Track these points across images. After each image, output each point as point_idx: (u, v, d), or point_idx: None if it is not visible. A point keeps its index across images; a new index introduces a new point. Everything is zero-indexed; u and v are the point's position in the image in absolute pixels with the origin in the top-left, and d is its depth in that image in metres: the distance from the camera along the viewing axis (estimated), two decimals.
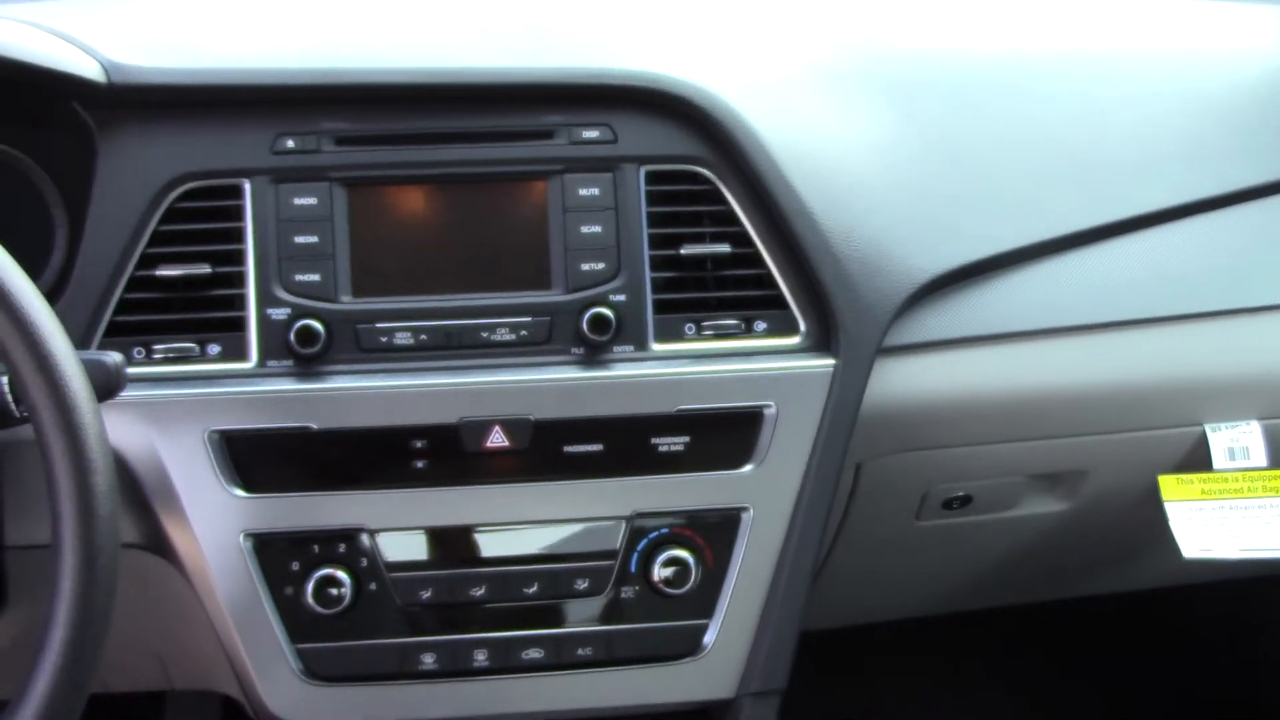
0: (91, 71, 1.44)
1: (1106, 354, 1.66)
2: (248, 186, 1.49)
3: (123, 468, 1.45)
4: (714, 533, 1.52)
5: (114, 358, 1.28)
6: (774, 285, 1.54)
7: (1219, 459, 1.71)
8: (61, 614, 1.13)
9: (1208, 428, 1.71)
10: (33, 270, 1.45)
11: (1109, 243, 1.68)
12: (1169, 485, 1.71)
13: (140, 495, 1.46)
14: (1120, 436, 1.70)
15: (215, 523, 1.45)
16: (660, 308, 1.52)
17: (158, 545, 1.47)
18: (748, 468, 1.51)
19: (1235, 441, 1.71)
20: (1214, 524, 1.69)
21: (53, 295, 1.46)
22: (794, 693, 1.73)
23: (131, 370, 1.46)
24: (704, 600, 1.52)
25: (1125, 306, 1.66)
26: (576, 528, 1.50)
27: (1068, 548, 1.89)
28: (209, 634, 1.49)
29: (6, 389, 1.21)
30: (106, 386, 1.27)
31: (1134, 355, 1.66)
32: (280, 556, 1.46)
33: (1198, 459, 1.73)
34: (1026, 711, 2.54)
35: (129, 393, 1.43)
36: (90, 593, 1.13)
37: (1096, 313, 1.65)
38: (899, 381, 1.59)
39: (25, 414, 1.17)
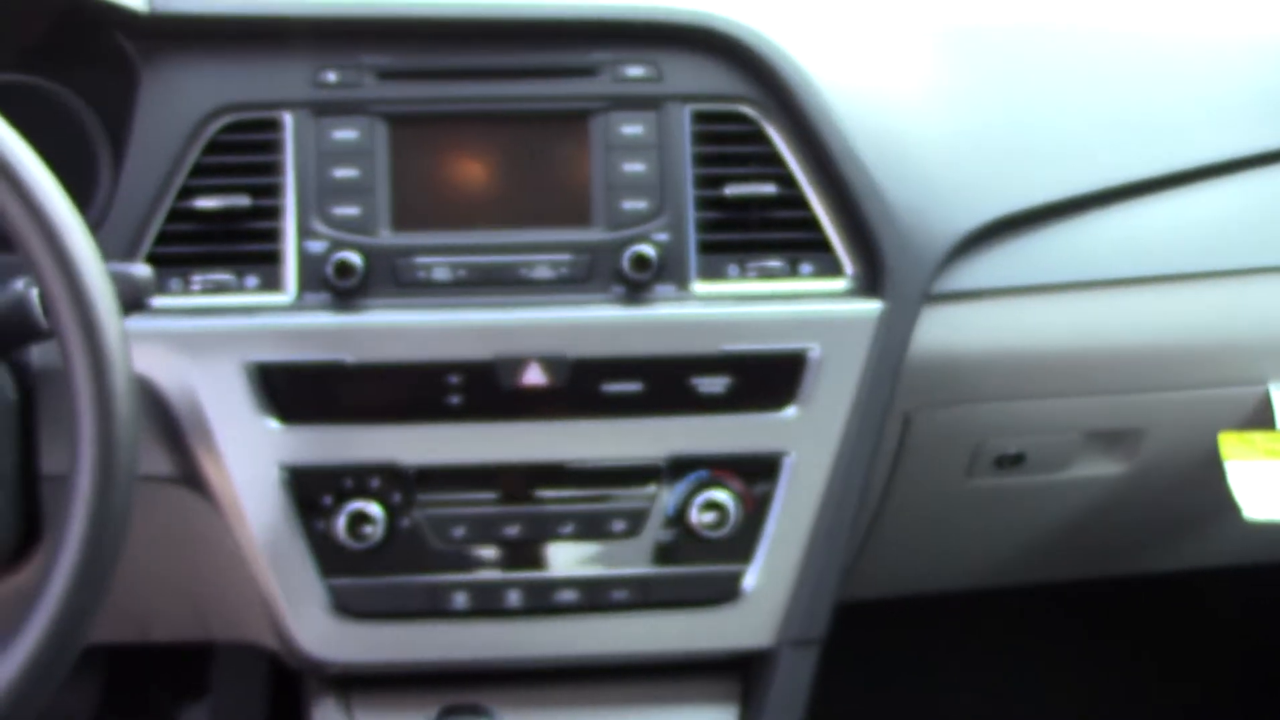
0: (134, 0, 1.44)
1: (1167, 308, 1.61)
2: (288, 119, 1.48)
3: (158, 400, 1.44)
4: (754, 477, 1.49)
5: (142, 270, 1.28)
6: (820, 228, 1.51)
7: None
8: (76, 519, 1.12)
9: (1272, 387, 1.66)
10: (80, 204, 1.46)
11: (1171, 193, 1.63)
12: (1230, 444, 1.66)
13: (175, 427, 1.45)
14: (1180, 395, 1.65)
15: (248, 454, 1.44)
16: (703, 248, 1.50)
17: (191, 478, 1.46)
18: (790, 411, 1.48)
19: None
20: (1277, 485, 1.63)
21: (96, 227, 1.46)
22: (837, 661, 1.71)
23: (168, 301, 1.46)
24: (743, 545, 1.49)
25: (1187, 259, 1.61)
26: (613, 468, 1.48)
27: (1124, 517, 1.84)
28: (243, 573, 1.48)
29: (36, 301, 1.21)
30: (134, 299, 1.26)
31: (1196, 309, 1.62)
32: (313, 489, 1.45)
33: (1261, 419, 1.67)
34: (1071, 690, 2.48)
35: (165, 323, 1.44)
36: (106, 496, 1.12)
37: (1157, 265, 1.60)
38: (948, 330, 1.55)
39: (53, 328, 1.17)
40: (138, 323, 1.42)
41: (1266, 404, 1.66)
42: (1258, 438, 1.65)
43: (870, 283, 1.51)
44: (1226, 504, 1.66)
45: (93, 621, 1.16)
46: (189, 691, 2.10)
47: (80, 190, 1.49)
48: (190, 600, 1.63)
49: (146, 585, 1.61)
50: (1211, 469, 1.68)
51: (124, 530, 1.15)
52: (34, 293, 1.21)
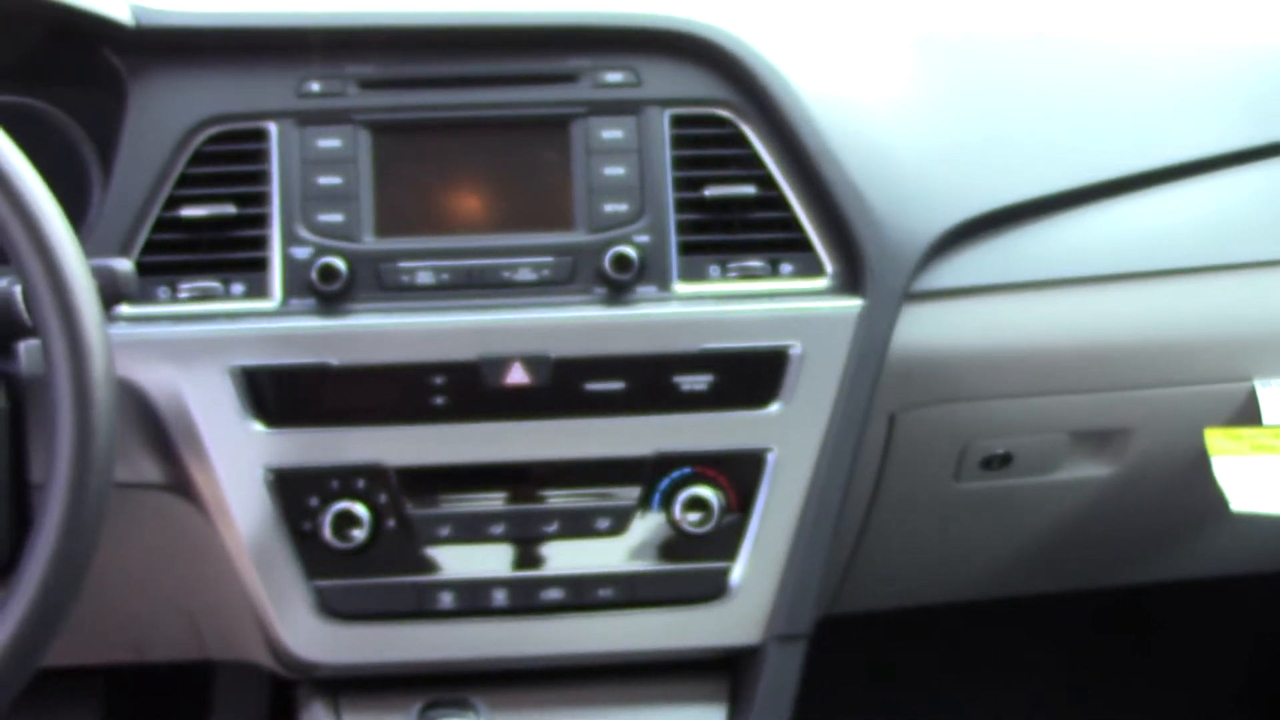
0: (121, 14, 1.47)
1: (1150, 304, 1.61)
2: (273, 129, 1.50)
3: (146, 407, 1.45)
4: (738, 473, 1.49)
5: (123, 264, 1.29)
6: (800, 227, 1.53)
7: (1269, 415, 1.65)
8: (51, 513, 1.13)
9: (1257, 383, 1.66)
10: (73, 220, 1.48)
11: (1154, 190, 1.64)
12: (1217, 440, 1.66)
13: (163, 434, 1.46)
14: (1166, 392, 1.66)
15: (235, 458, 1.45)
16: (684, 249, 1.51)
17: (180, 485, 1.48)
18: (773, 408, 1.49)
19: None
20: (1265, 479, 1.63)
21: (86, 237, 1.48)
22: (827, 677, 1.70)
23: (156, 309, 1.47)
24: (728, 542, 1.50)
25: (1169, 255, 1.62)
26: (597, 466, 1.48)
27: (1115, 523, 1.83)
28: (234, 583, 1.48)
29: (20, 298, 1.23)
30: (115, 292, 1.28)
31: (1179, 306, 1.62)
32: (298, 491, 1.45)
33: (1248, 416, 1.67)
34: (1065, 705, 2.47)
35: (152, 330, 1.45)
36: (85, 476, 1.13)
37: (1138, 261, 1.61)
38: (930, 328, 1.56)
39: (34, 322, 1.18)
40: (126, 330, 1.45)
41: (1252, 400, 1.66)
42: (1245, 432, 1.65)
43: (850, 281, 1.52)
44: (1217, 508, 1.65)
45: (57, 631, 1.16)
46: (189, 715, 2.10)
47: (73, 206, 1.50)
48: (183, 616, 1.63)
49: (139, 601, 1.61)
50: (1201, 469, 1.68)
51: (105, 505, 1.16)
52: (18, 290, 1.23)
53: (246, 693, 2.00)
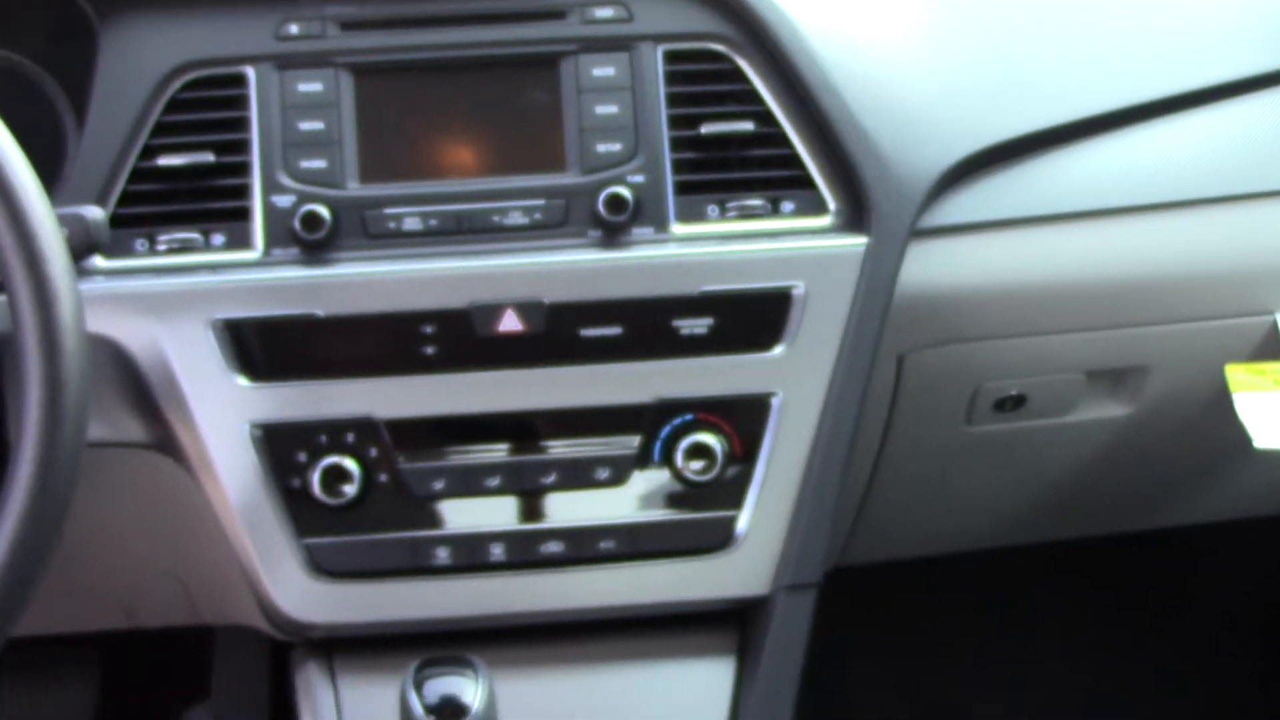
0: None
1: (1163, 237, 1.56)
2: (251, 74, 1.46)
3: (126, 363, 1.41)
4: (742, 419, 1.44)
5: (94, 212, 1.26)
6: (801, 164, 1.48)
7: None
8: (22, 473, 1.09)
9: (1279, 317, 1.61)
10: (49, 175, 1.44)
11: (1164, 119, 1.59)
12: (1238, 376, 1.61)
13: (145, 391, 1.42)
14: (1183, 327, 1.61)
15: (219, 413, 1.40)
16: (681, 189, 1.47)
17: (165, 443, 1.43)
18: (776, 351, 1.44)
19: None
20: None
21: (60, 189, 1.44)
22: (839, 629, 1.66)
23: (134, 262, 1.43)
24: (733, 490, 1.45)
25: (1183, 186, 1.57)
26: (595, 415, 1.44)
27: (1131, 466, 1.79)
28: (223, 544, 1.44)
29: None
30: (86, 242, 1.23)
31: (1194, 238, 1.57)
32: (286, 447, 1.41)
33: (1269, 351, 1.62)
34: (1079, 654, 2.43)
35: (131, 283, 1.41)
36: (56, 422, 1.08)
37: (1150, 192, 1.56)
38: (937, 266, 1.51)
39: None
40: (103, 284, 1.41)
41: (1273, 334, 1.61)
42: (1268, 367, 1.60)
43: (854, 219, 1.48)
44: (1236, 449, 1.60)
45: (30, 595, 1.12)
46: (189, 686, 2.06)
47: (48, 161, 1.47)
48: (174, 579, 1.60)
49: (127, 563, 1.58)
50: (1221, 407, 1.63)
51: (78, 458, 1.12)
52: None
53: (245, 658, 1.95)
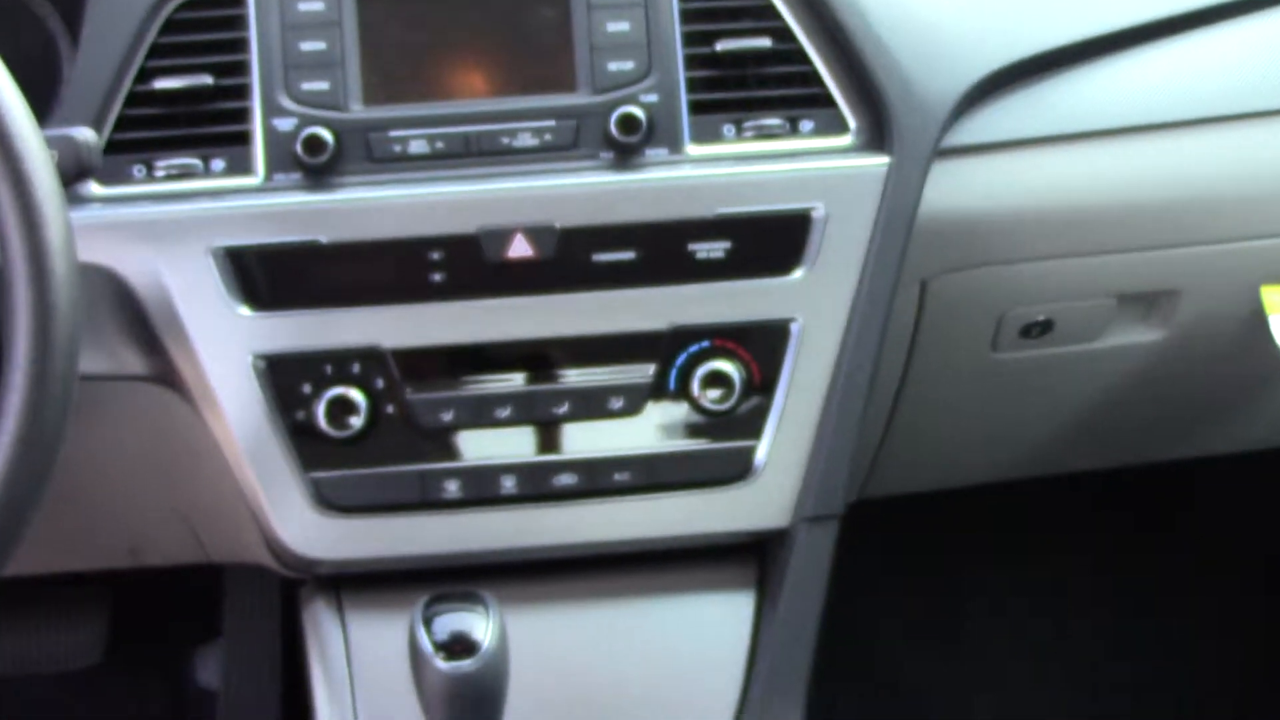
0: None
1: (1196, 154, 1.52)
2: None
3: (125, 294, 1.37)
4: (760, 346, 1.41)
5: (85, 133, 1.21)
6: (820, 81, 1.44)
7: None
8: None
9: None
10: (45, 100, 1.39)
11: (1197, 32, 1.55)
12: (1275, 297, 1.56)
13: (145, 322, 1.38)
14: (1217, 248, 1.56)
15: (221, 344, 1.37)
16: (696, 108, 1.42)
17: (167, 376, 1.40)
18: (795, 275, 1.40)
19: None
20: None
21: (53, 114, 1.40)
22: (861, 563, 1.62)
23: (132, 189, 1.40)
24: (752, 419, 1.41)
25: (1216, 101, 1.52)
26: (609, 343, 1.40)
27: (1161, 393, 1.74)
28: (228, 479, 1.41)
29: None
30: (77, 164, 1.19)
31: (1227, 156, 1.52)
32: (290, 378, 1.37)
33: None
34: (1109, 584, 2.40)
35: (129, 210, 1.37)
36: (47, 342, 1.05)
37: (1182, 109, 1.51)
38: (962, 186, 1.47)
39: None
40: (99, 212, 1.37)
41: None
42: None
43: (875, 138, 1.43)
44: (1272, 374, 1.56)
45: (23, 530, 1.08)
46: (200, 626, 2.04)
47: (43, 88, 1.43)
48: (179, 517, 1.57)
49: (131, 500, 1.55)
50: (1256, 331, 1.59)
51: (71, 387, 1.09)
52: None
53: (256, 598, 1.93)
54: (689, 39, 1.42)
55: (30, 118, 1.11)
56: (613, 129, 1.39)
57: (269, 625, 1.89)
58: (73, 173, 1.21)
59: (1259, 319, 1.59)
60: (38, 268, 1.06)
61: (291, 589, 1.54)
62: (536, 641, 1.41)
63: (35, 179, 1.07)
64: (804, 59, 1.43)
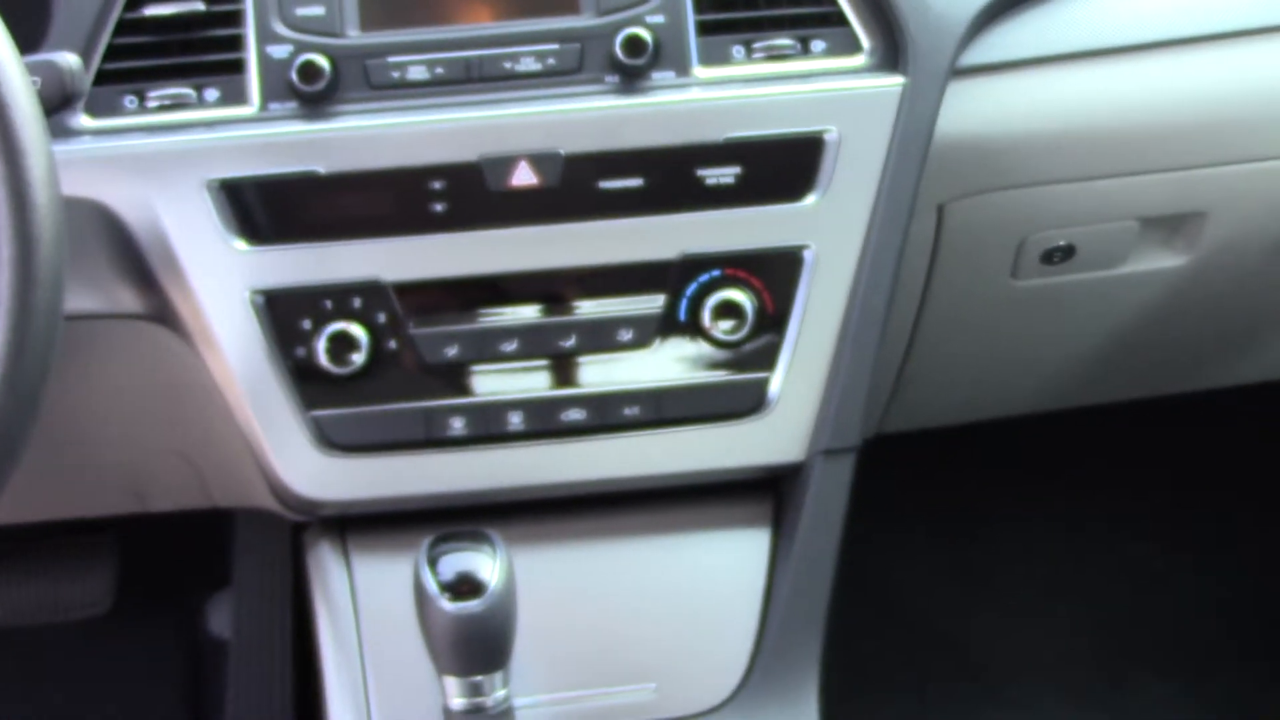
0: None
1: (1221, 70, 1.47)
2: None
3: (118, 229, 1.34)
4: (772, 275, 1.37)
5: (68, 59, 1.18)
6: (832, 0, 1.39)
7: None
8: None
9: None
10: (34, 28, 1.35)
11: None
12: None
13: (139, 259, 1.35)
14: (1244, 168, 1.52)
15: (218, 280, 1.33)
16: (704, 29, 1.38)
17: (163, 314, 1.36)
18: (808, 200, 1.36)
19: None
20: None
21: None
22: (879, 498, 1.58)
23: (124, 120, 1.35)
24: (765, 350, 1.38)
25: (1242, 15, 1.47)
26: (617, 273, 1.36)
27: (1188, 320, 1.71)
28: (227, 418, 1.38)
29: None
30: (61, 90, 1.15)
31: (1255, 71, 1.48)
32: (289, 314, 1.34)
33: None
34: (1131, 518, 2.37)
35: (120, 142, 1.33)
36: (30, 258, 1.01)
37: (1209, 23, 1.47)
38: (979, 106, 1.43)
39: None
40: (90, 145, 1.34)
41: None
42: None
43: (890, 58, 1.39)
44: None
45: (22, 440, 1.05)
46: (210, 573, 2.02)
47: (32, 14, 1.38)
48: (182, 459, 1.54)
49: (132, 443, 1.52)
50: None
51: (56, 322, 1.06)
52: None
53: (266, 545, 1.89)
54: None
55: (9, 43, 1.07)
56: (618, 51, 1.35)
57: (280, 573, 1.86)
58: (57, 99, 1.17)
59: None
60: (19, 198, 1.02)
61: (301, 535, 1.51)
62: (545, 582, 1.38)
63: (15, 105, 1.03)
64: None
